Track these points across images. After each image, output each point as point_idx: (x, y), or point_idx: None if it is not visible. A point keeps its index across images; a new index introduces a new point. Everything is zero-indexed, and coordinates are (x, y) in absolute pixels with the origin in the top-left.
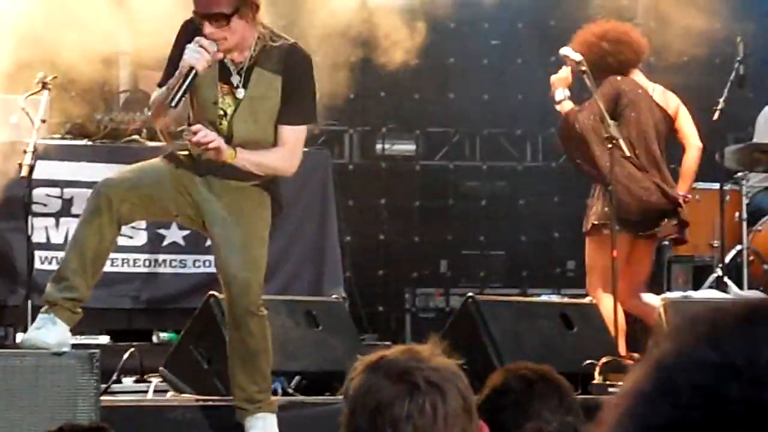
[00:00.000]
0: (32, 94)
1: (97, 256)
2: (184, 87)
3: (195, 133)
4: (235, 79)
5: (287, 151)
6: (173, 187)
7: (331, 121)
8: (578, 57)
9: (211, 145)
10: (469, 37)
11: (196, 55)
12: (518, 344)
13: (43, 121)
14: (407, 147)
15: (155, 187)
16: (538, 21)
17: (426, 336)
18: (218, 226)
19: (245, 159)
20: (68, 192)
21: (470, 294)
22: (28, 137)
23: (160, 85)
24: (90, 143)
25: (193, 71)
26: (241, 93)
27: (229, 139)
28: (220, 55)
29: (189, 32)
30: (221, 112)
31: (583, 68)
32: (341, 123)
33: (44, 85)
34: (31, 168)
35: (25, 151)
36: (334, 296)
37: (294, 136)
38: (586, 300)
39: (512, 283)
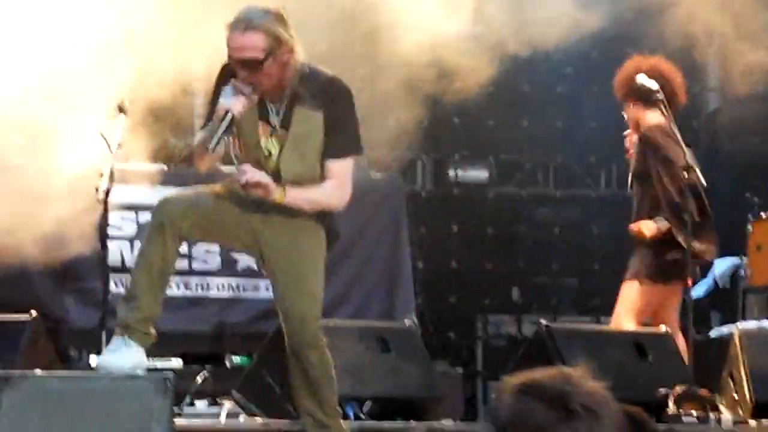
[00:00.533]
0: (109, 118)
1: (162, 272)
2: (221, 130)
3: (244, 173)
4: (275, 119)
5: (335, 186)
6: (231, 213)
7: (403, 148)
8: (655, 85)
9: (261, 183)
10: (543, 65)
11: (232, 99)
12: (592, 373)
13: (120, 146)
14: (480, 174)
15: (214, 210)
16: (612, 49)
17: (498, 363)
18: (275, 259)
19: (295, 197)
20: (143, 216)
21: (544, 322)
22: (105, 161)
23: (203, 128)
24: (165, 168)
25: (230, 114)
26: (282, 133)
27: (277, 178)
28: (256, 98)
29: (227, 75)
30: (265, 153)
31: (660, 96)
32: (414, 150)
33: (121, 110)
34: (107, 192)
35: (101, 175)
36: (407, 322)
37: (341, 169)
38: (660, 329)
39: (584, 310)
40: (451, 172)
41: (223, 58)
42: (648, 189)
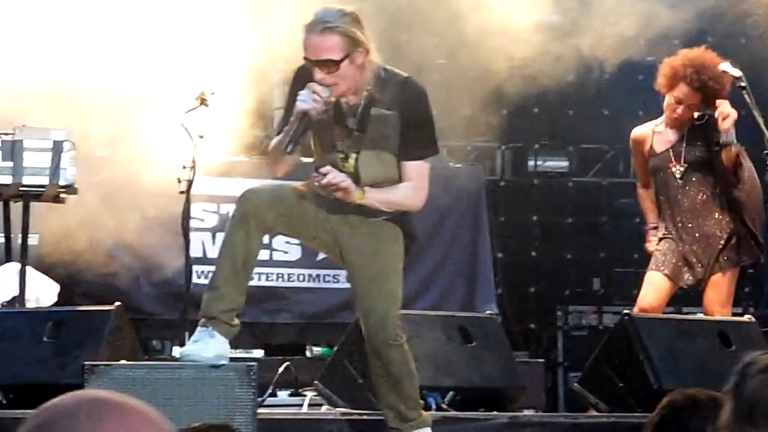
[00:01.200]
0: (191, 110)
1: (246, 262)
2: (299, 133)
3: (324, 175)
4: (351, 121)
5: (413, 187)
6: (313, 211)
7: (483, 138)
8: (737, 72)
9: (342, 185)
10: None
11: (309, 101)
12: (676, 363)
13: (201, 137)
14: (560, 163)
15: (297, 206)
16: (694, 38)
17: (579, 354)
18: (354, 258)
19: (373, 198)
20: (224, 207)
21: (626, 311)
22: (187, 153)
23: (277, 134)
24: (246, 159)
25: (307, 117)
26: (357, 134)
27: (355, 180)
28: (333, 98)
29: (302, 78)
30: (341, 155)
31: (743, 84)
32: (493, 139)
33: (203, 101)
34: (190, 183)
35: (183, 167)
36: (488, 312)
37: (418, 170)
38: (745, 318)
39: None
40: (531, 162)
41: (301, 52)
42: (709, 174)
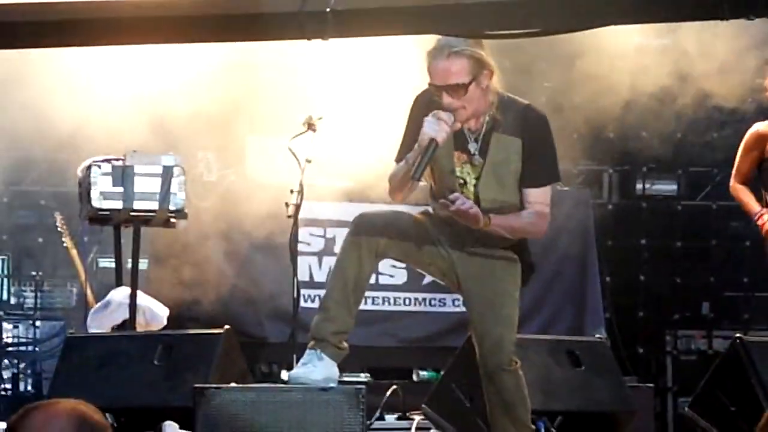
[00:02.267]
0: (298, 135)
1: (357, 286)
2: (426, 159)
3: (453, 202)
4: (473, 146)
5: (536, 214)
6: (428, 239)
7: (590, 161)
8: None
9: (470, 212)
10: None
11: (436, 128)
12: None
13: (309, 162)
14: (668, 187)
15: (411, 231)
16: None
17: (688, 378)
18: (471, 284)
19: (498, 225)
20: (331, 231)
21: (738, 336)
22: (295, 178)
23: (397, 161)
24: (352, 184)
25: (434, 143)
26: (478, 160)
27: (477, 206)
28: (459, 125)
29: (422, 106)
30: (461, 181)
31: None
32: (601, 162)
33: (310, 126)
34: (297, 208)
35: (291, 191)
36: (597, 336)
37: (540, 197)
38: None
39: None
40: (639, 185)
41: (413, 77)
42: None
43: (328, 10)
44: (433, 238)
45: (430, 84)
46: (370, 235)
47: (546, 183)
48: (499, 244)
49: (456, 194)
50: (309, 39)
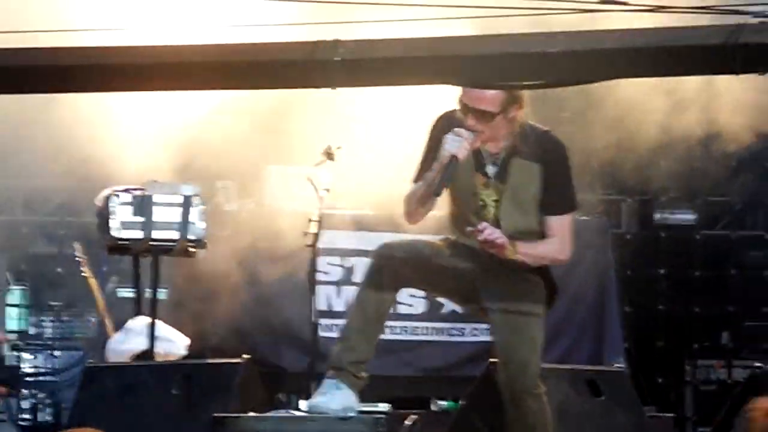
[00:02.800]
0: (317, 164)
1: (379, 316)
2: (447, 175)
3: (481, 231)
4: (491, 170)
5: (559, 242)
6: (451, 266)
7: (608, 190)
8: None
9: (498, 241)
10: None
11: (457, 144)
12: None
13: (327, 191)
14: (687, 216)
15: (433, 259)
16: None
17: (708, 408)
18: (496, 307)
19: (524, 253)
20: (349, 261)
21: (758, 365)
22: (313, 207)
23: (415, 181)
24: (371, 213)
25: (455, 160)
26: (496, 183)
27: (498, 229)
28: (478, 144)
29: (442, 128)
30: (481, 203)
31: None
32: (619, 192)
33: (329, 156)
34: (316, 237)
35: (310, 220)
36: (616, 366)
37: (562, 226)
38: None
39: None
40: (657, 215)
41: (433, 106)
42: None
43: (337, 59)
44: (455, 265)
45: (459, 100)
46: (393, 265)
47: (567, 210)
48: (521, 267)
49: (484, 224)
50: (318, 88)
